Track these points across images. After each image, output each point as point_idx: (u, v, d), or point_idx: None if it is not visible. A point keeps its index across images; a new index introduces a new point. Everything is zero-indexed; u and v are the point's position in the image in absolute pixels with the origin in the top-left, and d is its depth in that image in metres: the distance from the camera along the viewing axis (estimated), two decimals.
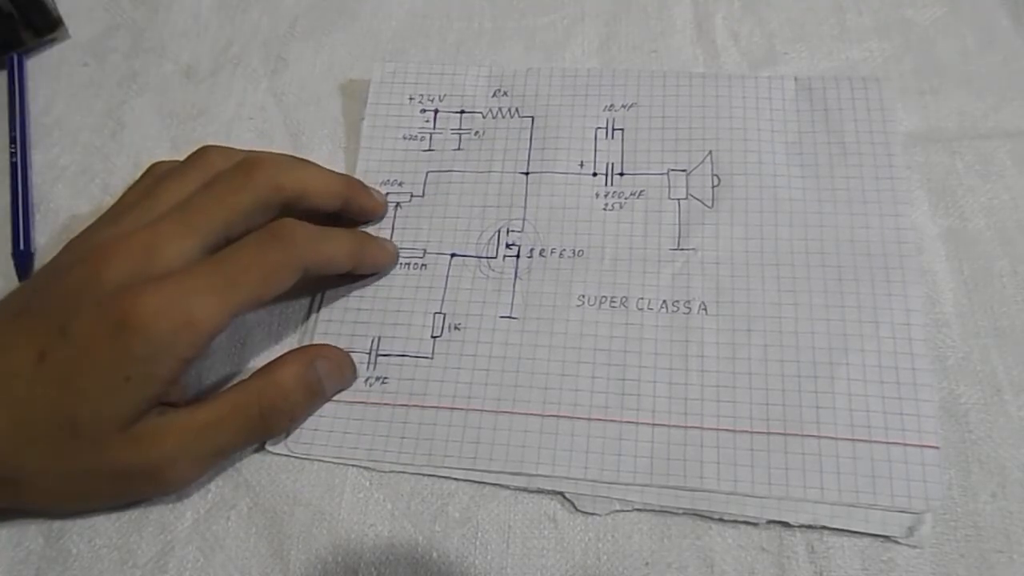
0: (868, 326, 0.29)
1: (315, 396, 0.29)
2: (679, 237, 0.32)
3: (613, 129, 0.35)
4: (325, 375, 0.29)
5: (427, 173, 0.35)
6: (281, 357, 0.29)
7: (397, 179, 0.35)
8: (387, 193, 0.34)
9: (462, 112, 0.36)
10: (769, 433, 0.28)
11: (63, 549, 0.28)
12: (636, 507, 0.27)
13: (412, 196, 0.34)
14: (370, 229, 0.34)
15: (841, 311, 0.30)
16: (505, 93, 0.36)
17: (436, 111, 0.36)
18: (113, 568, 0.27)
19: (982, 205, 0.32)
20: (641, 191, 0.33)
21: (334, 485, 0.29)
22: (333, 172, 0.32)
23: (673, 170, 0.33)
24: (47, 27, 0.40)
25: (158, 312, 0.25)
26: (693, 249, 0.31)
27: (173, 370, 0.26)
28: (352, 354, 0.31)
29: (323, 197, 0.30)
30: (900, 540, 0.26)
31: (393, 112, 0.36)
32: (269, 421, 0.28)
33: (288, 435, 0.29)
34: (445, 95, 0.37)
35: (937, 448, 0.27)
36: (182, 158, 0.30)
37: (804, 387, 0.28)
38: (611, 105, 0.35)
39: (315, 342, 0.31)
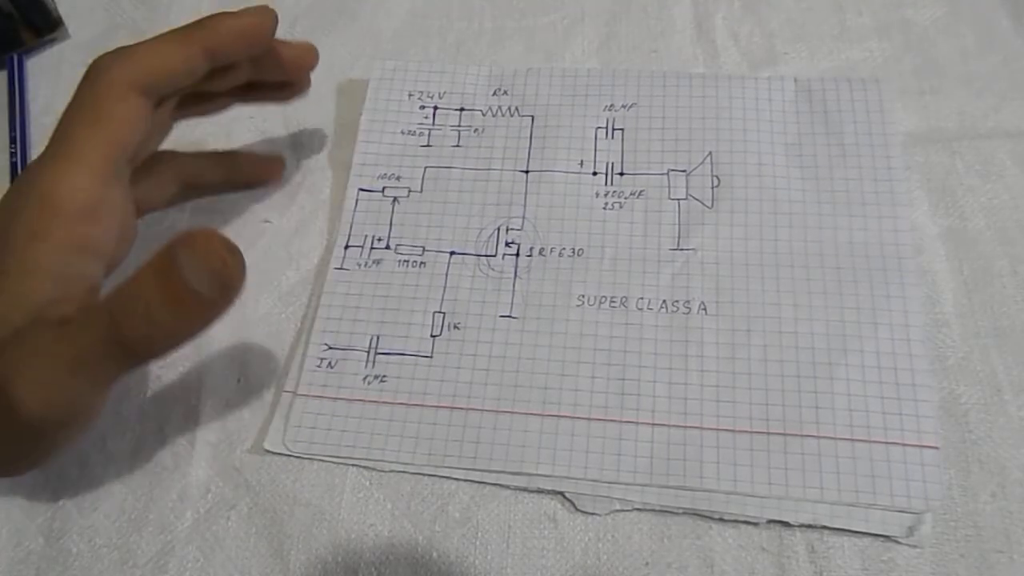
0: (867, 327, 0.29)
1: (179, 296, 0.21)
2: (679, 237, 0.32)
3: (613, 129, 0.35)
4: (189, 266, 0.21)
5: (425, 168, 0.35)
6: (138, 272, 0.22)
7: (395, 173, 0.35)
8: (384, 188, 0.34)
9: (462, 109, 0.36)
10: (769, 433, 0.28)
11: (63, 549, 0.28)
12: (636, 507, 0.27)
13: (410, 191, 0.34)
14: (365, 226, 0.34)
15: (840, 311, 0.30)
16: (505, 92, 0.36)
17: (435, 108, 0.36)
18: (113, 568, 0.28)
19: (982, 205, 0.32)
20: (641, 191, 0.33)
21: (334, 485, 0.29)
22: (174, 31, 0.28)
23: (673, 170, 0.33)
24: (47, 27, 0.40)
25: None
26: (693, 249, 0.31)
27: (53, 254, 0.24)
28: (351, 352, 0.31)
29: (167, 73, 0.27)
30: (900, 540, 0.26)
31: (392, 108, 0.36)
32: (125, 328, 0.22)
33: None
34: (445, 92, 0.37)
35: (937, 448, 0.27)
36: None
37: (803, 387, 0.28)
38: (611, 105, 0.35)
39: (313, 341, 0.31)
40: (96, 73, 0.26)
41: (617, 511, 0.27)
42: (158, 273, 0.21)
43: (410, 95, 0.37)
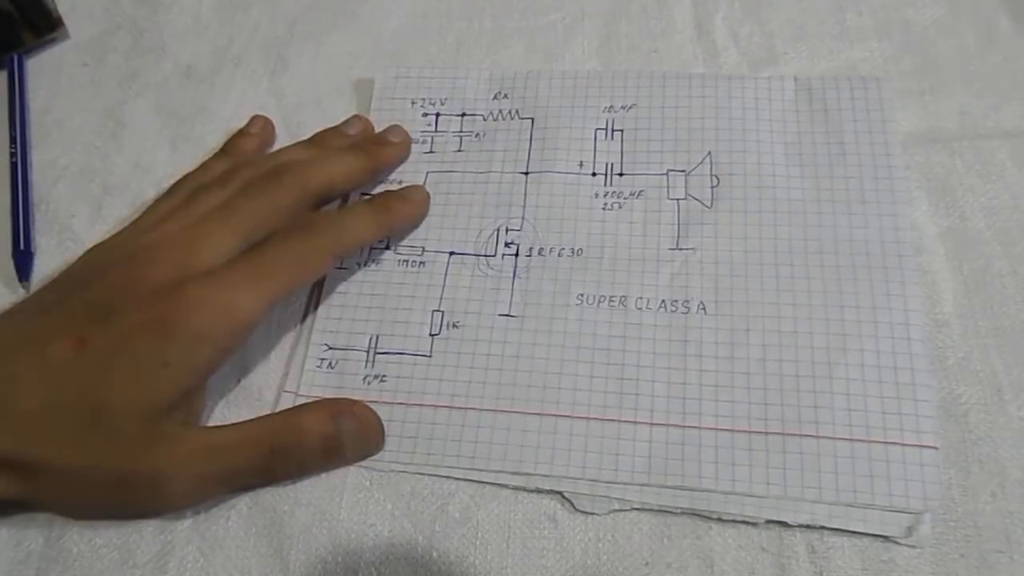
0: (867, 326, 0.29)
1: (332, 453, 0.28)
2: (678, 237, 0.32)
3: (613, 130, 0.35)
4: (348, 434, 0.28)
5: (427, 174, 0.35)
6: (312, 403, 0.29)
7: (397, 179, 0.35)
8: (385, 191, 0.34)
9: (463, 115, 0.36)
10: (768, 433, 0.28)
11: (63, 549, 0.28)
12: (635, 506, 0.27)
13: (413, 184, 0.34)
14: None
15: (840, 311, 0.30)
16: (506, 95, 0.36)
17: (438, 115, 0.36)
18: (113, 568, 0.28)
19: (982, 205, 0.32)
20: (640, 191, 0.33)
21: (334, 485, 0.29)
22: (353, 152, 0.33)
23: (672, 170, 0.33)
24: (47, 27, 0.40)
25: (200, 304, 0.26)
26: (692, 249, 0.31)
27: (211, 359, 0.27)
28: (351, 352, 0.31)
29: (349, 183, 0.33)
30: (899, 540, 0.26)
31: (396, 117, 0.36)
32: (276, 463, 0.27)
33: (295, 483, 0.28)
34: (446, 98, 0.37)
35: (936, 448, 0.27)
36: (184, 160, 0.31)
37: (802, 387, 0.28)
38: (611, 106, 0.35)
39: (313, 341, 0.31)
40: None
41: (616, 511, 0.27)
42: (323, 433, 0.28)
43: (413, 103, 0.37)
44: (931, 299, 0.30)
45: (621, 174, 0.34)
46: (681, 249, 0.32)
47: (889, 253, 0.30)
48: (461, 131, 0.36)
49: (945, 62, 0.36)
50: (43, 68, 0.40)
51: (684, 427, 0.28)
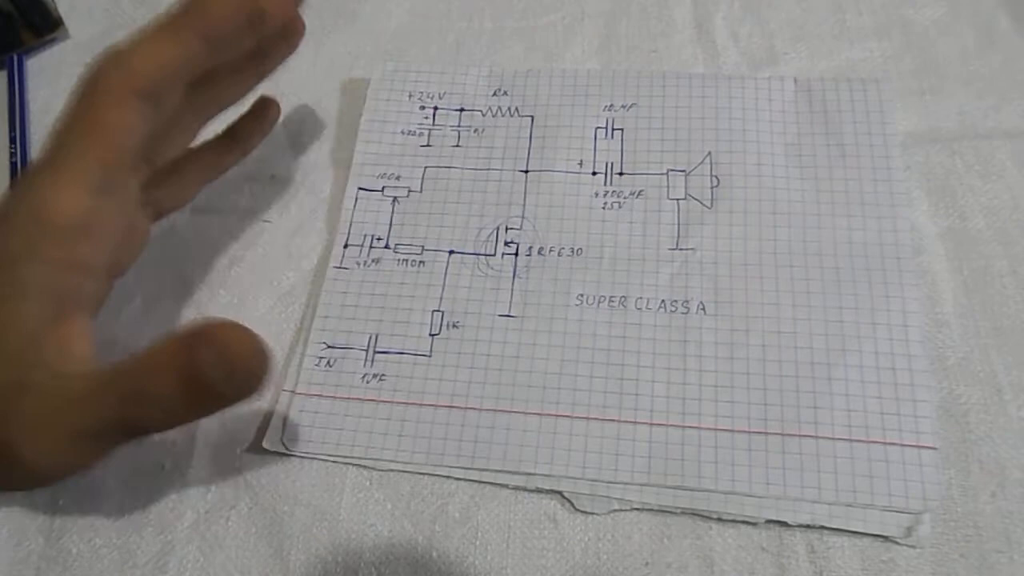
0: (866, 327, 0.29)
1: (198, 394, 0.21)
2: (678, 237, 0.32)
3: (613, 129, 0.35)
4: (211, 367, 0.20)
5: (425, 168, 0.35)
6: (167, 338, 0.21)
7: (395, 173, 0.35)
8: (384, 187, 0.34)
9: (462, 110, 0.36)
10: (767, 433, 0.28)
11: (63, 549, 0.28)
12: (635, 506, 0.27)
13: (410, 191, 0.34)
14: (365, 225, 0.34)
15: (839, 312, 0.30)
16: (505, 92, 0.36)
17: (435, 108, 0.36)
18: (113, 568, 0.28)
19: (982, 205, 0.32)
20: (640, 191, 0.33)
21: (334, 485, 0.29)
22: (164, 20, 0.25)
23: (672, 170, 0.33)
24: (47, 27, 0.40)
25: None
26: (692, 249, 0.31)
27: (46, 277, 0.23)
28: (350, 351, 0.31)
29: (171, 67, 0.25)
30: (899, 540, 0.26)
31: (392, 108, 0.36)
32: (130, 412, 0.22)
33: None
34: (445, 93, 0.37)
35: (935, 449, 0.27)
36: None
37: (802, 387, 0.28)
38: (611, 105, 0.35)
39: (312, 339, 0.31)
40: (90, 80, 0.25)
41: (616, 511, 0.27)
42: (177, 370, 0.21)
43: (410, 96, 0.37)
44: (931, 299, 0.30)
45: (621, 173, 0.34)
46: (681, 249, 0.32)
47: (888, 254, 0.30)
48: (459, 126, 0.36)
49: (945, 62, 0.36)
50: (43, 68, 0.40)
51: (684, 427, 0.28)
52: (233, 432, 0.30)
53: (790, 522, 0.27)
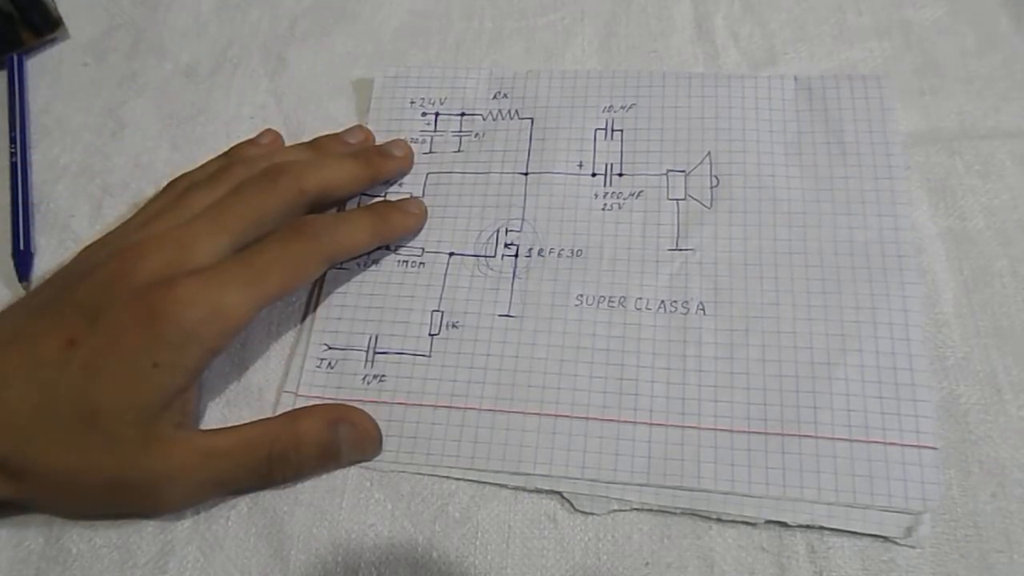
0: (866, 326, 0.29)
1: (328, 459, 0.28)
2: (677, 237, 0.32)
3: (612, 130, 0.35)
4: (345, 442, 0.28)
5: (427, 175, 0.35)
6: (309, 408, 0.29)
7: (396, 180, 0.35)
8: (386, 194, 0.34)
9: (462, 115, 0.36)
10: (767, 433, 0.28)
11: (63, 549, 0.28)
12: (634, 507, 0.27)
13: (411, 196, 0.34)
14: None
15: (839, 311, 0.30)
16: (505, 95, 0.36)
17: (437, 114, 0.36)
18: (113, 568, 0.28)
19: (982, 205, 0.32)
20: (640, 191, 0.33)
21: (334, 485, 0.29)
22: (353, 159, 0.33)
23: (672, 171, 0.33)
24: (47, 27, 0.40)
25: (189, 302, 0.26)
26: (691, 249, 0.31)
27: (200, 360, 0.26)
28: (350, 352, 0.31)
29: (345, 189, 0.33)
30: (899, 541, 0.26)
31: (395, 116, 0.36)
32: (274, 469, 0.28)
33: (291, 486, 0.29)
34: (446, 98, 0.37)
35: (935, 449, 0.27)
36: (184, 160, 0.30)
37: (801, 387, 0.28)
38: (610, 106, 0.35)
39: (313, 341, 0.31)
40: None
41: (615, 511, 0.27)
42: (317, 436, 0.28)
43: (412, 103, 0.37)
44: (931, 299, 0.30)
45: (621, 174, 0.34)
46: (680, 250, 0.32)
47: (889, 254, 0.30)
48: (460, 131, 0.36)
49: (945, 62, 0.36)
50: (43, 68, 0.40)
51: (683, 427, 0.28)
52: None
53: (789, 522, 0.27)
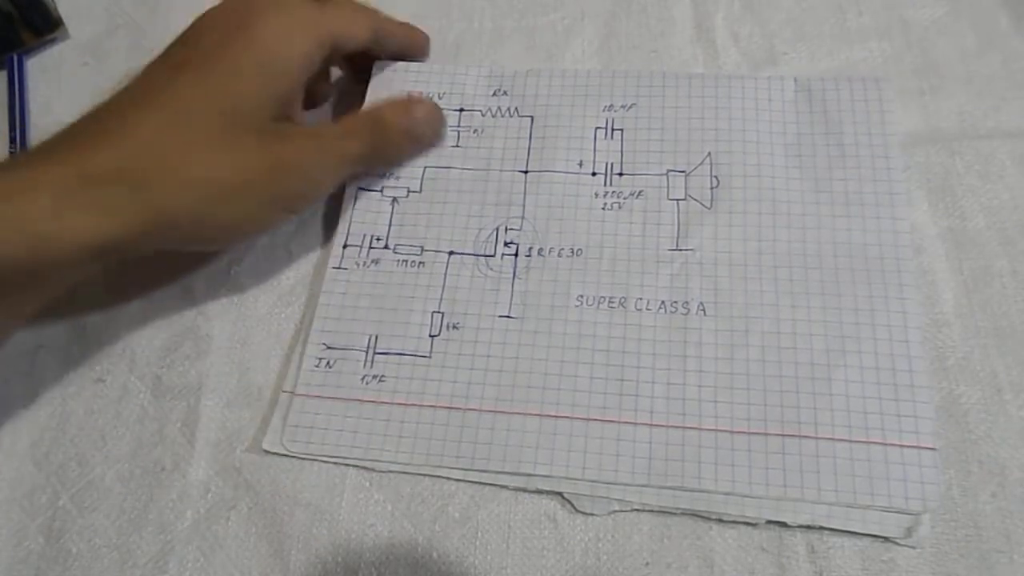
0: (866, 328, 0.29)
1: (413, 139, 0.34)
2: (677, 238, 0.32)
3: (612, 129, 0.35)
4: (422, 121, 0.34)
5: (424, 168, 0.34)
6: (385, 102, 0.33)
7: (394, 173, 0.34)
8: (383, 188, 0.34)
9: (461, 110, 0.36)
10: (767, 434, 0.28)
11: (63, 549, 0.28)
12: (635, 507, 0.27)
13: (409, 192, 0.34)
14: (364, 225, 0.34)
15: (839, 312, 0.30)
16: (505, 92, 0.36)
17: None
18: (113, 568, 0.28)
19: (982, 205, 0.32)
20: (640, 191, 0.33)
21: (334, 485, 0.29)
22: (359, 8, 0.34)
23: (672, 171, 0.33)
24: (47, 27, 0.40)
25: (274, 15, 0.30)
26: (691, 250, 0.31)
27: (297, 62, 0.30)
28: (349, 352, 0.31)
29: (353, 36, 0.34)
30: (899, 541, 0.26)
31: None
32: (380, 149, 0.32)
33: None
34: (444, 93, 0.36)
35: (934, 449, 0.27)
36: None
37: (801, 388, 0.28)
38: (611, 105, 0.35)
39: (311, 340, 0.31)
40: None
41: (616, 512, 0.27)
42: (405, 127, 0.33)
43: (408, 95, 0.36)
44: (931, 299, 0.30)
45: (621, 174, 0.34)
46: (681, 250, 0.32)
47: (888, 255, 0.30)
48: (459, 126, 0.35)
49: (945, 62, 0.36)
50: (43, 68, 0.40)
51: (684, 428, 0.28)
52: (233, 432, 0.30)
53: (790, 522, 0.27)
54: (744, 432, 0.28)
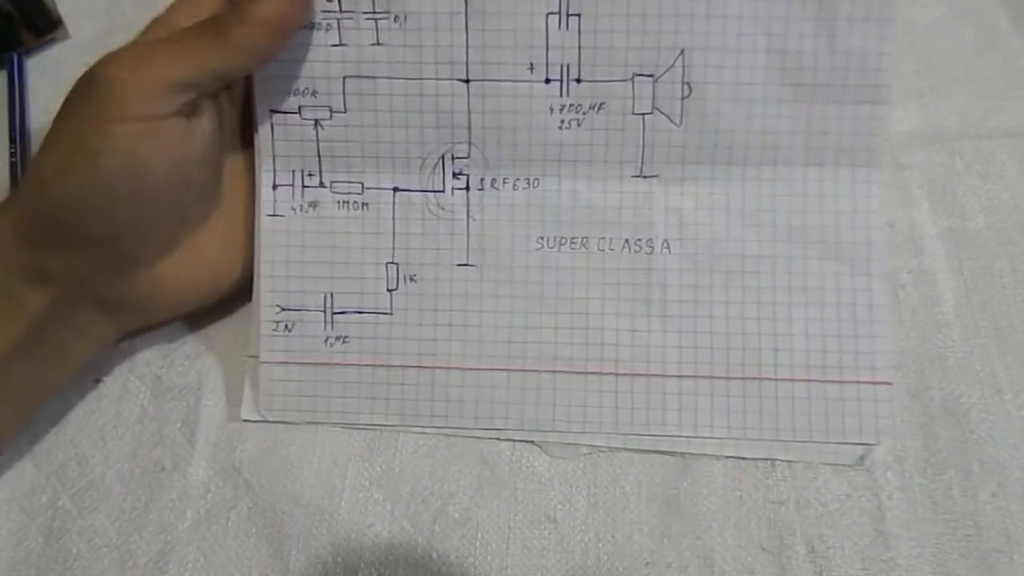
0: (829, 262, 0.29)
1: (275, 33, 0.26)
2: (642, 163, 0.29)
3: (568, 15, 0.28)
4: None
5: (344, 79, 0.28)
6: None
7: (309, 87, 0.29)
8: (300, 107, 0.29)
9: None
10: (728, 378, 0.28)
11: (63, 549, 0.28)
12: (602, 451, 0.29)
13: (332, 111, 0.29)
14: (290, 159, 0.29)
15: (804, 247, 0.29)
16: None
17: None
18: (113, 568, 0.28)
19: (982, 205, 0.32)
20: (601, 103, 0.28)
21: (334, 485, 0.29)
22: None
23: (639, 75, 0.28)
24: (47, 27, 0.40)
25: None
26: (656, 176, 0.29)
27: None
28: (307, 313, 0.30)
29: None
30: (849, 466, 0.28)
31: None
32: (231, 34, 0.25)
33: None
34: None
35: (890, 384, 0.28)
36: None
37: (763, 329, 0.29)
38: None
39: (263, 303, 0.29)
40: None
41: (586, 455, 0.29)
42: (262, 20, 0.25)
43: None
44: (931, 299, 0.30)
45: (579, 80, 0.28)
46: (645, 177, 0.29)
47: (860, 178, 0.29)
48: (374, 11, 0.28)
49: (945, 62, 0.36)
50: (43, 68, 0.40)
51: (649, 375, 0.29)
52: (233, 432, 0.30)
53: (747, 456, 0.28)
54: (707, 377, 0.29)
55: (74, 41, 0.41)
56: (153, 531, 0.28)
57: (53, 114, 0.26)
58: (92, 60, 0.26)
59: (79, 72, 0.26)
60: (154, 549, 0.28)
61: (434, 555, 0.27)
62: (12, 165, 0.36)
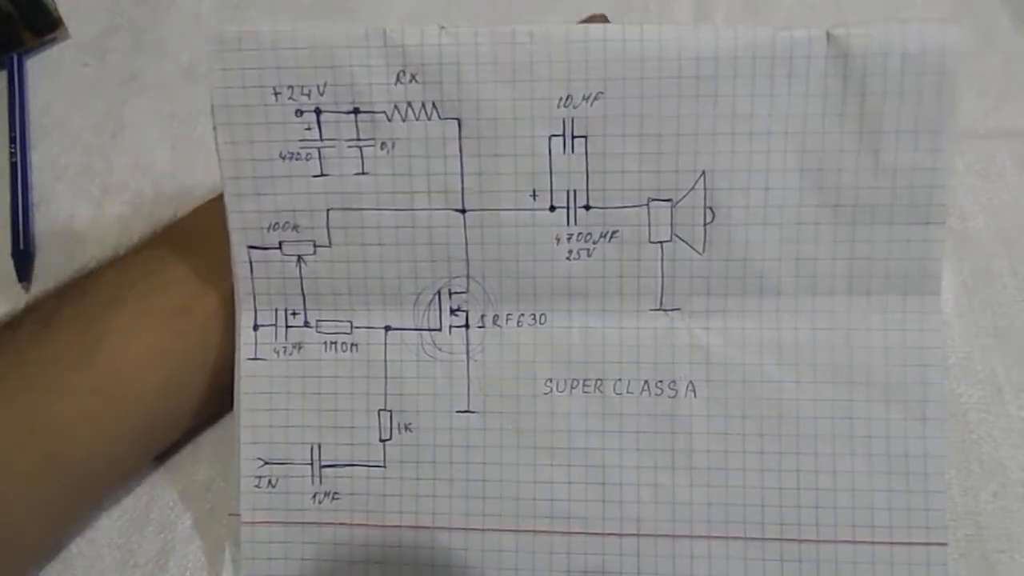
0: (878, 406, 0.25)
1: None
2: (662, 295, 0.25)
3: (573, 137, 0.25)
4: None
5: (328, 212, 0.26)
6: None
7: (289, 221, 0.26)
8: (280, 243, 0.26)
9: (356, 111, 0.25)
10: (764, 539, 0.25)
11: (63, 549, 0.28)
12: None
13: (316, 246, 0.26)
14: (271, 297, 0.26)
15: (849, 388, 0.25)
16: (413, 77, 0.25)
17: (318, 111, 0.25)
18: (113, 568, 0.28)
19: (982, 205, 0.32)
20: (614, 232, 0.25)
21: None
22: None
23: (655, 200, 0.25)
24: (47, 27, 0.40)
25: None
26: (677, 309, 0.26)
27: None
28: (292, 467, 0.26)
29: None
30: None
31: (256, 118, 0.25)
32: None
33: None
34: (326, 84, 0.25)
35: (945, 544, 0.24)
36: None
37: (803, 484, 0.25)
38: (568, 97, 0.24)
39: (244, 456, 0.26)
40: None
41: None
42: None
43: (276, 94, 0.25)
44: None
45: (588, 207, 0.25)
46: (665, 311, 0.26)
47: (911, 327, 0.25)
48: (359, 139, 0.25)
49: None
50: (43, 68, 0.40)
51: (674, 536, 0.25)
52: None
53: None
54: (740, 538, 0.25)
55: (74, 41, 0.41)
56: (154, 531, 0.28)
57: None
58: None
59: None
60: (154, 549, 0.28)
61: None
62: (12, 165, 0.36)
